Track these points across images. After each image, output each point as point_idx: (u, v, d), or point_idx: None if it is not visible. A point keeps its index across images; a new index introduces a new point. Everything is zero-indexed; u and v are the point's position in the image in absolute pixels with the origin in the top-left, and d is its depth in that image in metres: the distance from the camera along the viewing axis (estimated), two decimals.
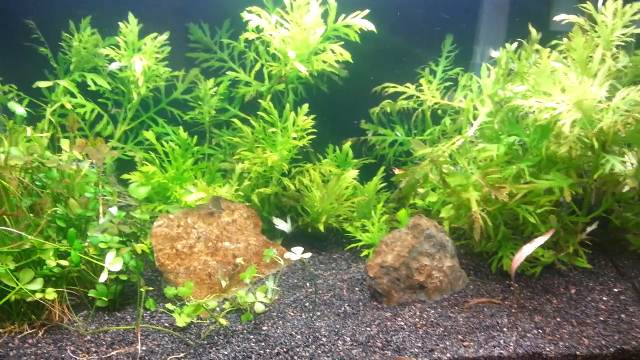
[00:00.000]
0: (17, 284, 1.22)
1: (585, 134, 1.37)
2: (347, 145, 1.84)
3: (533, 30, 1.60)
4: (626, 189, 1.47)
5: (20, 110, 1.46)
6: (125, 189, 1.73)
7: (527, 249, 1.35)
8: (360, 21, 1.64)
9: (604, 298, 1.53)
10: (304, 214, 1.71)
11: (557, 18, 1.59)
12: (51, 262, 1.26)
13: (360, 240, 1.69)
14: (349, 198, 1.70)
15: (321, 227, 1.63)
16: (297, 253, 1.31)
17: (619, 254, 1.76)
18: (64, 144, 1.44)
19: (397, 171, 1.54)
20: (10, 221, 1.28)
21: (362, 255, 1.71)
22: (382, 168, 1.83)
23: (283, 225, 1.63)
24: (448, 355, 1.29)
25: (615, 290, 1.57)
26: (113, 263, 1.27)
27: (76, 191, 1.42)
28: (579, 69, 1.39)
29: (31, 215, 1.32)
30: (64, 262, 1.28)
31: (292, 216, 1.70)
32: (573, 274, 1.64)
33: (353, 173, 1.69)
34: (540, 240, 1.35)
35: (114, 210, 1.42)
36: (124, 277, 1.36)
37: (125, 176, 1.65)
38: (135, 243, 1.36)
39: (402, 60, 1.99)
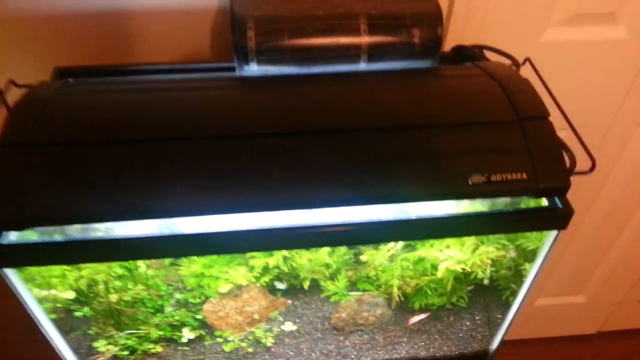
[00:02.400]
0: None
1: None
2: None
3: None
4: None
5: None
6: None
7: (416, 318, 2.38)
8: None
9: (467, 323, 2.62)
10: (294, 279, 2.64)
11: None
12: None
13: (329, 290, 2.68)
14: (324, 265, 2.59)
15: (305, 286, 2.60)
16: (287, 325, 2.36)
17: (491, 294, 2.75)
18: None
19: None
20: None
21: (330, 300, 2.72)
22: None
23: (281, 285, 2.60)
24: (369, 358, 2.47)
25: (477, 317, 2.65)
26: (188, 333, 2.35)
27: (154, 288, 2.35)
28: None
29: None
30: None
31: (286, 279, 2.64)
32: (456, 309, 2.68)
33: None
34: (423, 315, 2.37)
35: (177, 295, 2.38)
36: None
37: (180, 271, 2.52)
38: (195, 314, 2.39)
39: None
